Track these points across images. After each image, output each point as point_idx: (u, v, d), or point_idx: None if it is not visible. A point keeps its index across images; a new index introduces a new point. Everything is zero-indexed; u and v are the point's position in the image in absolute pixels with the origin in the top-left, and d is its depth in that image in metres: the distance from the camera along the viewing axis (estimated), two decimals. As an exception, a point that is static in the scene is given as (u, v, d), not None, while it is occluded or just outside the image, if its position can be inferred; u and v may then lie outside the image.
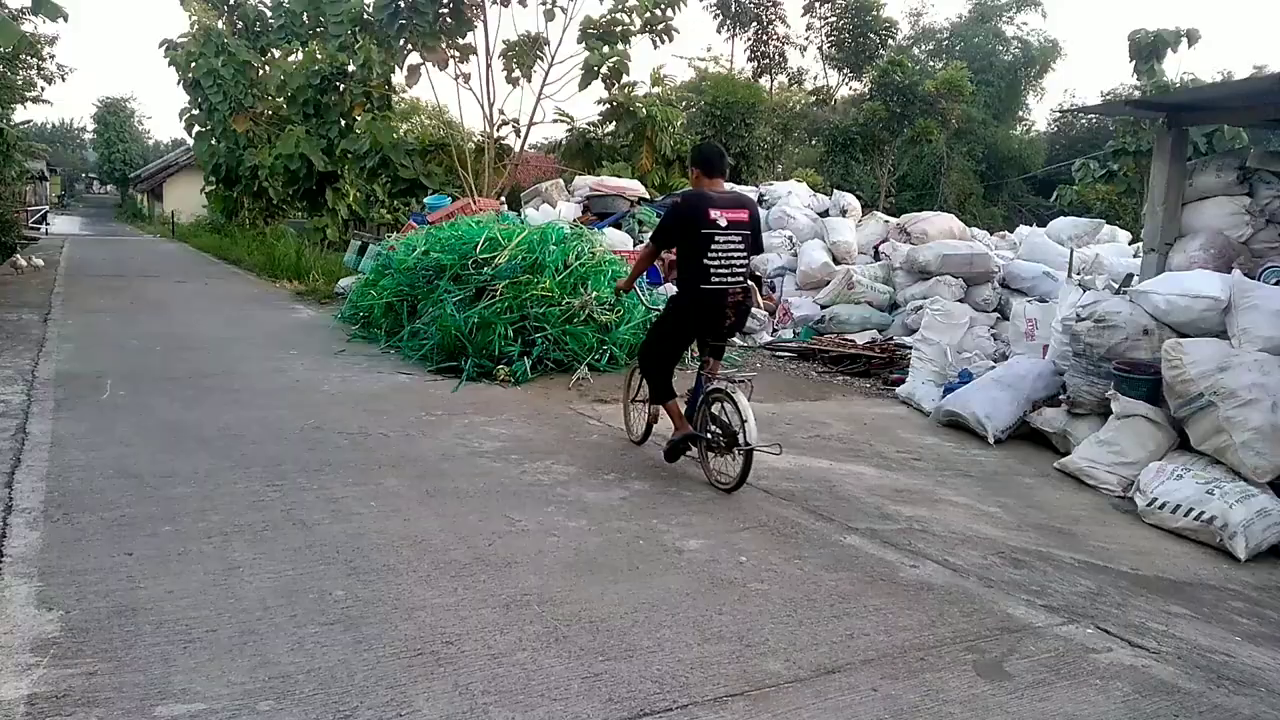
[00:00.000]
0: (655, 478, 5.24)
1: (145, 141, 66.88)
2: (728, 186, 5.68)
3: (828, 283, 10.97)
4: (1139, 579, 4.31)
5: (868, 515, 4.86)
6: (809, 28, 34.16)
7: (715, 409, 5.11)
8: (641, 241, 11.64)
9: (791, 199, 13.02)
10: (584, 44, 16.72)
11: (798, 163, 28.74)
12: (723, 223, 4.99)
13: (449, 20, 15.85)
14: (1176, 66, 29.59)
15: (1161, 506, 5.14)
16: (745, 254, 5.11)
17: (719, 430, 5.07)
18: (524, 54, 16.59)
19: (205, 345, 8.83)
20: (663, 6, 16.58)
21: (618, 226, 12.25)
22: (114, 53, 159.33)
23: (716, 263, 4.99)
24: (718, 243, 4.98)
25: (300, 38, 23.71)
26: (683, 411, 5.27)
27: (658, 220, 12.27)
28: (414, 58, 16.39)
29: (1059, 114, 39.97)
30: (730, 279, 5.04)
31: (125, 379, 7.02)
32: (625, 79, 18.03)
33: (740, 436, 4.86)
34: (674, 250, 5.21)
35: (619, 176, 16.20)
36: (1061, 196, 24.06)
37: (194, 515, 4.16)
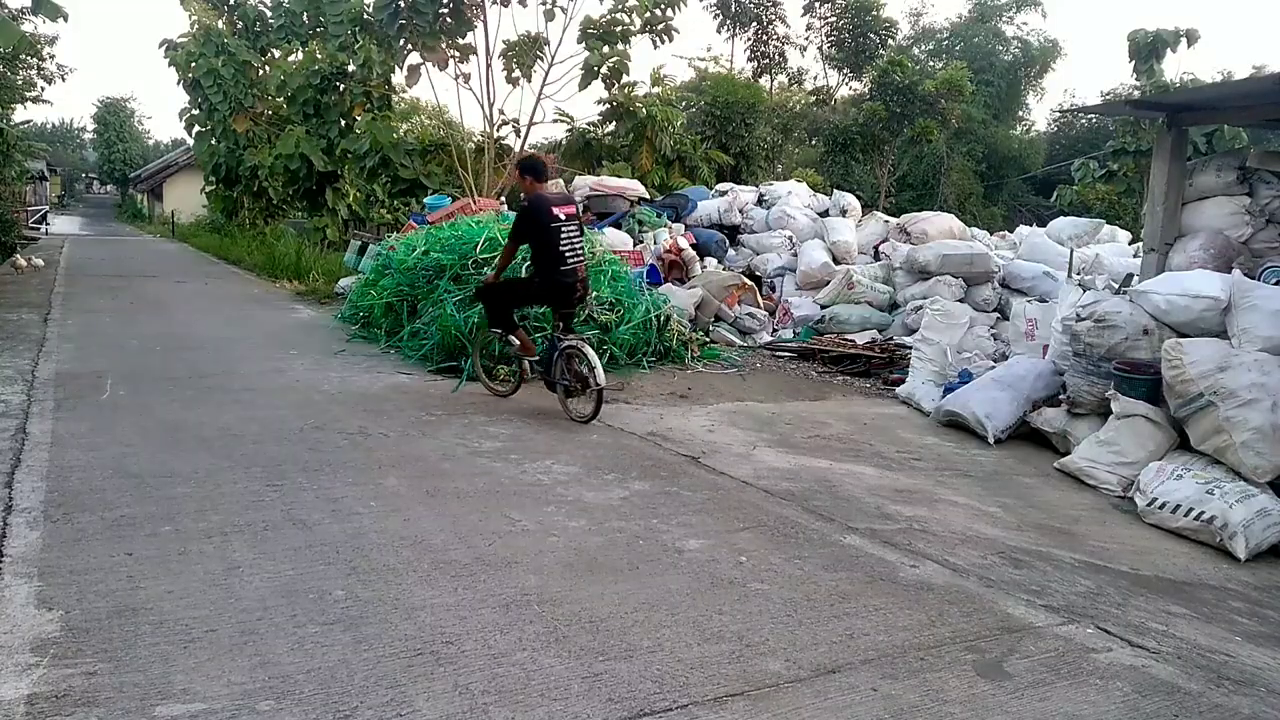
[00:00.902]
0: (655, 478, 5.24)
1: (145, 141, 66.84)
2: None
3: (828, 283, 10.98)
4: (1139, 579, 4.31)
5: (868, 515, 4.86)
6: (809, 28, 34.10)
7: (571, 361, 6.45)
8: (641, 241, 11.65)
9: (791, 199, 13.03)
10: (584, 44, 16.71)
11: (798, 163, 28.70)
12: (562, 216, 6.39)
13: (449, 20, 15.83)
14: (1176, 66, 29.66)
15: (1161, 506, 5.14)
16: (581, 239, 6.58)
17: (572, 377, 6.46)
18: (524, 54, 16.58)
19: (205, 345, 8.83)
20: (663, 6, 16.56)
21: (618, 226, 12.24)
22: (114, 53, 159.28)
23: (566, 249, 6.37)
24: (563, 234, 6.37)
25: (300, 38, 23.69)
26: (534, 368, 6.81)
27: (657, 217, 12.39)
28: (414, 58, 16.37)
29: (1059, 114, 40.01)
30: (575, 260, 6.42)
31: (125, 379, 7.02)
32: (625, 79, 18.01)
33: (591, 380, 6.24)
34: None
35: (619, 176, 16.19)
36: (1061, 196, 24.05)
37: (194, 515, 4.16)
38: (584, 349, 6.35)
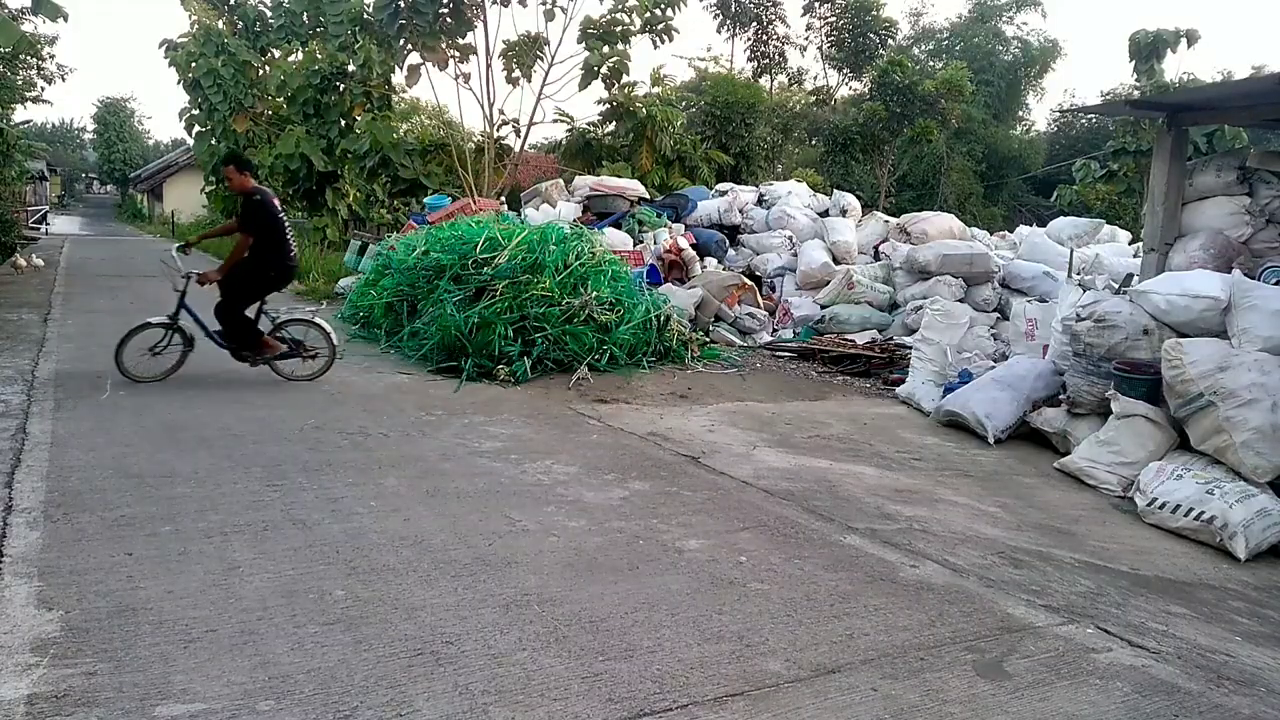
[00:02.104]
0: (655, 477, 5.24)
1: (145, 141, 66.78)
2: None
3: (828, 283, 10.97)
4: (1139, 579, 4.31)
5: (868, 515, 4.86)
6: (809, 28, 34.10)
7: (291, 331, 7.29)
8: (641, 241, 11.65)
9: (791, 199, 13.03)
10: (584, 44, 16.73)
11: (798, 163, 28.69)
12: (279, 208, 7.19)
13: (449, 20, 15.85)
14: (1176, 66, 29.57)
15: (1161, 506, 5.14)
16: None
17: (291, 344, 7.27)
18: (524, 54, 16.60)
19: (205, 345, 8.81)
20: (663, 6, 16.58)
21: (618, 226, 12.25)
22: (114, 53, 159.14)
23: (289, 236, 7.20)
24: (286, 225, 7.20)
25: (300, 38, 23.69)
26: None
27: (657, 217, 12.37)
28: (414, 58, 16.39)
29: (1059, 114, 40.00)
30: (293, 246, 7.30)
31: (125, 379, 7.01)
32: (625, 79, 18.03)
33: (330, 343, 7.35)
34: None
35: (619, 176, 16.19)
36: (1061, 196, 24.06)
37: (194, 515, 4.16)
38: (319, 321, 7.40)
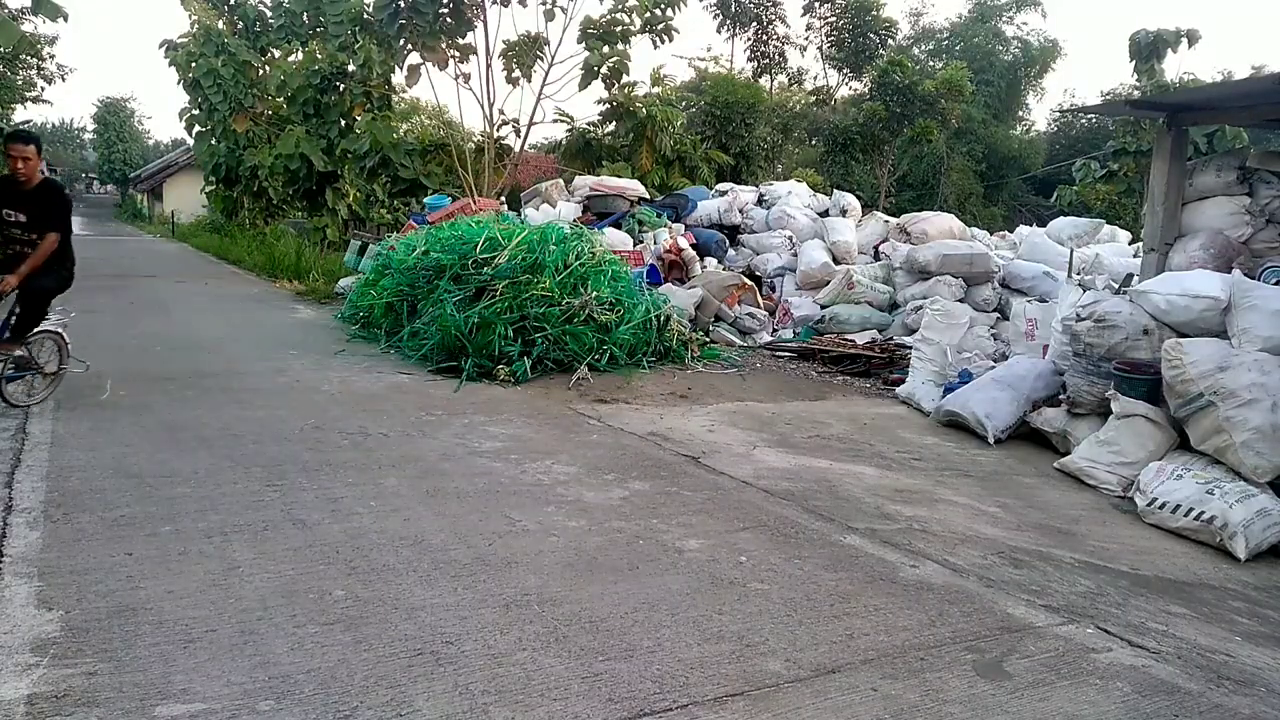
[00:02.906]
0: (655, 477, 5.24)
1: (145, 141, 66.86)
2: None
3: (828, 283, 10.97)
4: (1139, 579, 4.31)
5: (868, 515, 4.86)
6: (809, 28, 34.16)
7: (30, 347, 5.96)
8: (641, 241, 11.65)
9: (791, 199, 13.03)
10: (584, 44, 16.73)
11: (798, 163, 28.69)
12: None
13: (449, 20, 15.85)
14: (1176, 66, 29.60)
15: (1161, 506, 5.14)
16: None
17: (24, 362, 5.93)
18: (524, 54, 16.60)
19: (205, 345, 8.83)
20: (663, 6, 16.58)
21: (618, 226, 12.24)
22: (114, 53, 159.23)
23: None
24: None
25: (300, 38, 23.71)
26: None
27: (657, 217, 12.34)
28: (414, 58, 16.40)
29: (1059, 114, 40.02)
30: None
31: (125, 379, 7.01)
32: (625, 79, 18.04)
33: (64, 357, 6.18)
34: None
35: (619, 176, 16.19)
36: (1061, 196, 24.07)
37: (194, 515, 4.16)
38: (61, 331, 6.17)
